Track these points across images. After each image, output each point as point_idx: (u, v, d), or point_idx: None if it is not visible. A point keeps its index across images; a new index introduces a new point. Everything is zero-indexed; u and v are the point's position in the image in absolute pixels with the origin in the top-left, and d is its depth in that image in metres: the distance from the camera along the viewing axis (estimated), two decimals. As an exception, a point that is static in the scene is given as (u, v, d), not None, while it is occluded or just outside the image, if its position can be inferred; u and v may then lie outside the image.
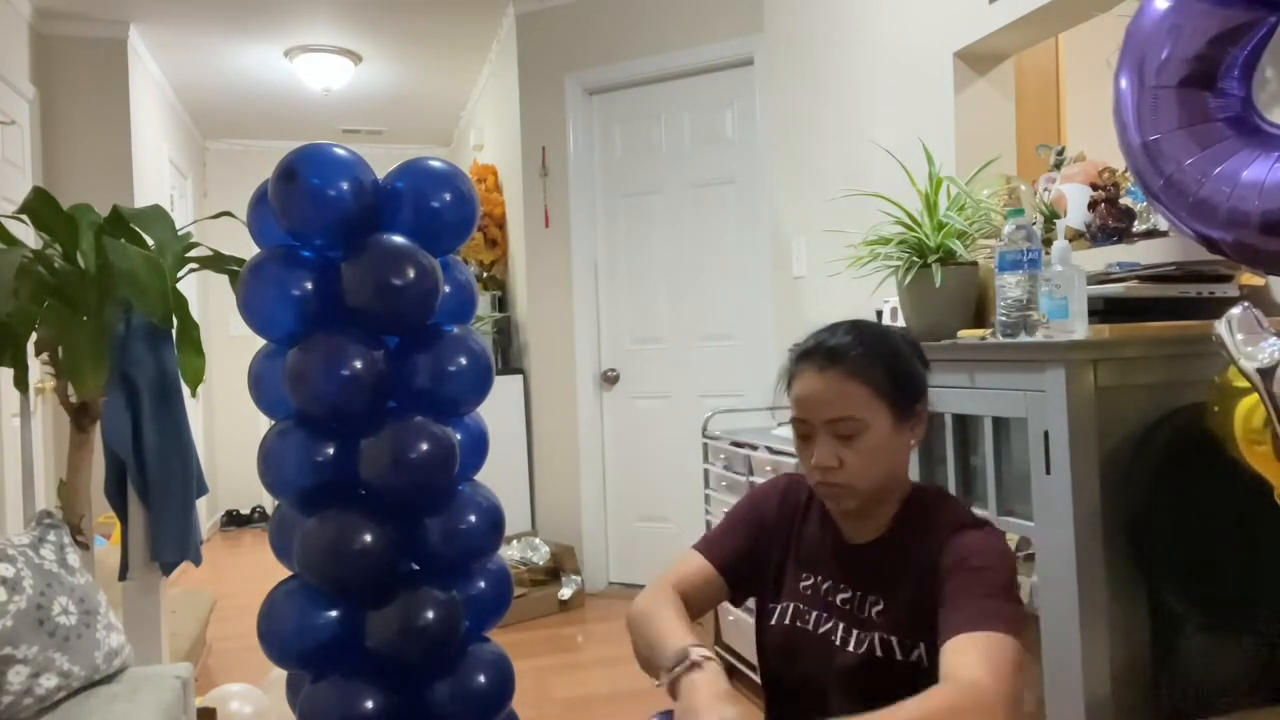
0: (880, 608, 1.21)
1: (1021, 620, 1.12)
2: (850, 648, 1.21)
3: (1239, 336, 1.23)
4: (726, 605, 1.81)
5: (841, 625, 1.23)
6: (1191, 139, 1.40)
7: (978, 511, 1.71)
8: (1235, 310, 1.26)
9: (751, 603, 1.39)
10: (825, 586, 1.28)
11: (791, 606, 1.29)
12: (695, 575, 1.32)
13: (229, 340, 5.96)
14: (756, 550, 1.34)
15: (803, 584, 1.30)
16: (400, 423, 1.78)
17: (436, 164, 1.89)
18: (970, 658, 1.04)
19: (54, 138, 4.14)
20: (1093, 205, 2.01)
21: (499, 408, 3.99)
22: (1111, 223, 1.95)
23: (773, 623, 1.30)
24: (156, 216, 2.20)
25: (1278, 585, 1.44)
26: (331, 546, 1.74)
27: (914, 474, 1.84)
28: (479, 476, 2.01)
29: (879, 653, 1.19)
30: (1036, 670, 1.59)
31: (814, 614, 1.27)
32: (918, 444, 1.27)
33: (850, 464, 1.18)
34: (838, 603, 1.25)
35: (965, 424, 1.78)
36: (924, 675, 1.12)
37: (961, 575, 1.14)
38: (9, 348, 2.05)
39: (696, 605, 1.29)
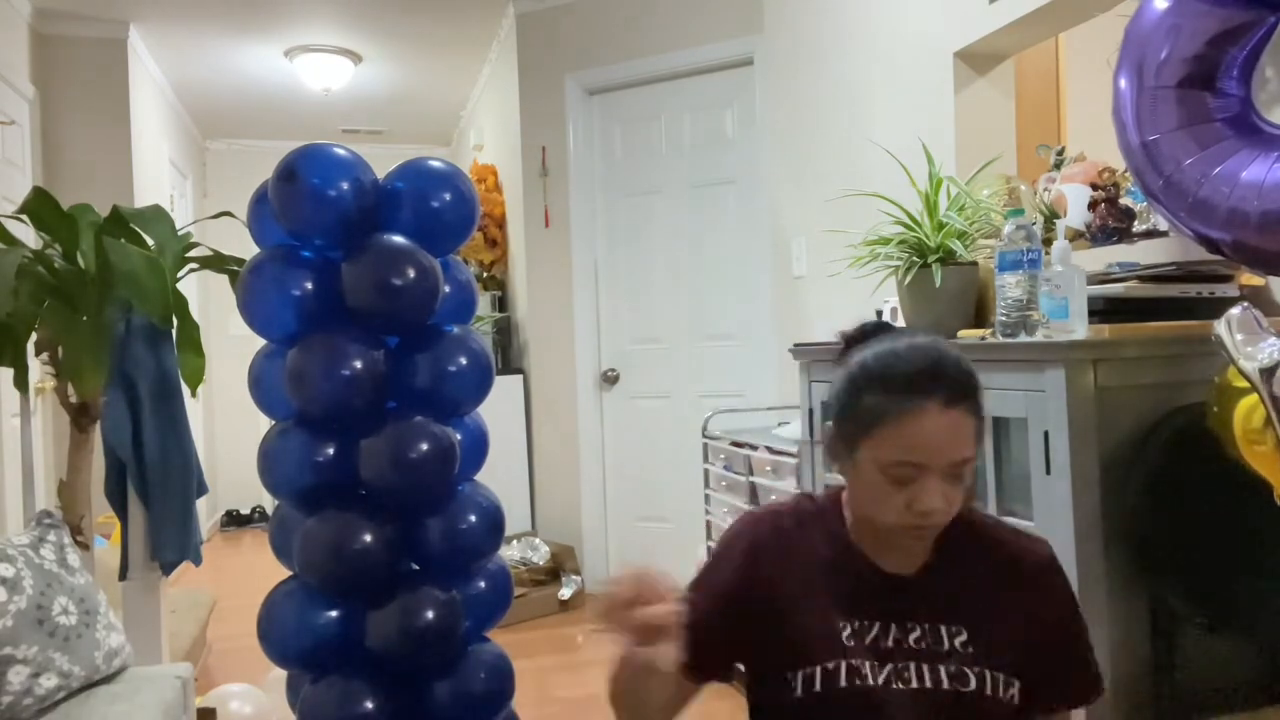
0: (964, 638, 1.07)
1: None
2: (945, 685, 1.05)
3: (1239, 336, 1.23)
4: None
5: (923, 666, 1.06)
6: (1191, 139, 1.40)
7: (978, 511, 1.71)
8: (1235, 310, 1.26)
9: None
10: (879, 630, 1.08)
11: (842, 665, 1.06)
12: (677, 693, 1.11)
13: (229, 340, 5.96)
14: (740, 632, 1.11)
15: (845, 636, 1.07)
16: (400, 423, 1.78)
17: (436, 164, 1.89)
18: None
19: (54, 138, 4.14)
20: (1093, 205, 2.01)
21: (499, 408, 3.99)
22: (1111, 223, 1.95)
23: (814, 690, 1.06)
24: (156, 216, 2.20)
25: (1278, 585, 1.44)
26: (331, 546, 1.74)
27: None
28: (479, 476, 2.01)
29: (972, 684, 1.05)
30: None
31: (869, 664, 1.06)
32: None
33: (955, 504, 1.02)
34: (909, 643, 1.07)
35: (965, 424, 1.77)
36: (1016, 716, 1.06)
37: (1073, 631, 1.10)
38: (9, 348, 2.05)
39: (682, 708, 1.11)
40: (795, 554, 1.12)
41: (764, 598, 1.10)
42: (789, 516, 1.16)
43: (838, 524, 1.13)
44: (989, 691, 1.05)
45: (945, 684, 1.05)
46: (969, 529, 1.11)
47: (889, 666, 1.06)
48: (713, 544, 3.01)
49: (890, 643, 1.07)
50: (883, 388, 1.02)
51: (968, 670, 1.05)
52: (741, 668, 1.15)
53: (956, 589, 1.08)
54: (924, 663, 1.06)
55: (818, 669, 1.06)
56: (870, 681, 1.05)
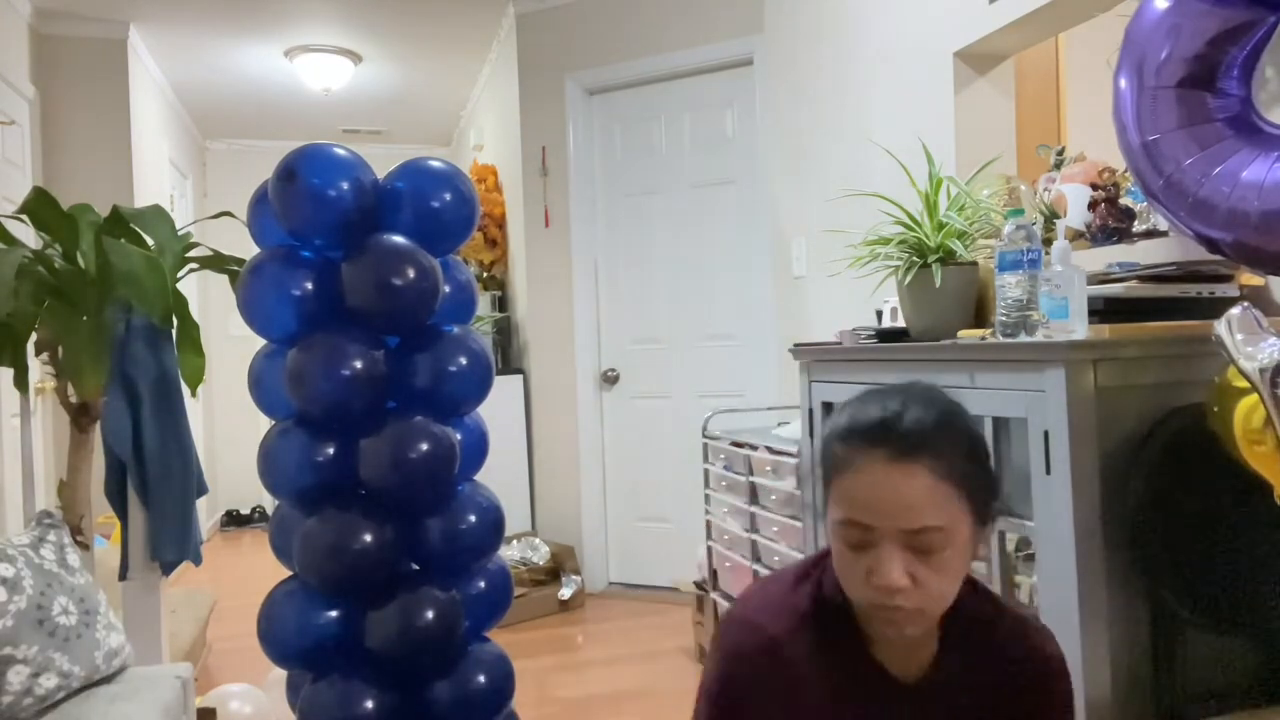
0: None
1: None
2: None
3: (1239, 336, 1.23)
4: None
5: None
6: (1191, 139, 1.40)
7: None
8: (1235, 310, 1.26)
9: None
10: None
11: None
12: None
13: (229, 340, 5.96)
14: None
15: None
16: (400, 423, 1.78)
17: (436, 164, 1.89)
18: None
19: (54, 138, 4.14)
20: (1093, 205, 2.01)
21: (499, 408, 3.99)
22: (1111, 223, 1.95)
23: None
24: (156, 216, 2.20)
25: (1277, 585, 1.44)
26: (331, 546, 1.74)
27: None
28: (479, 476, 2.01)
29: None
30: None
31: None
32: (985, 549, 1.08)
33: (924, 583, 0.90)
34: None
35: (965, 424, 1.77)
36: None
37: None
38: (9, 348, 2.05)
39: None
40: (801, 690, 1.00)
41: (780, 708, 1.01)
42: (787, 637, 1.01)
43: (843, 619, 1.01)
44: None
45: None
46: (978, 625, 1.03)
47: None
48: (713, 544, 3.01)
49: None
50: (840, 435, 0.95)
51: None
52: None
53: (959, 698, 1.00)
54: None
55: None
56: None
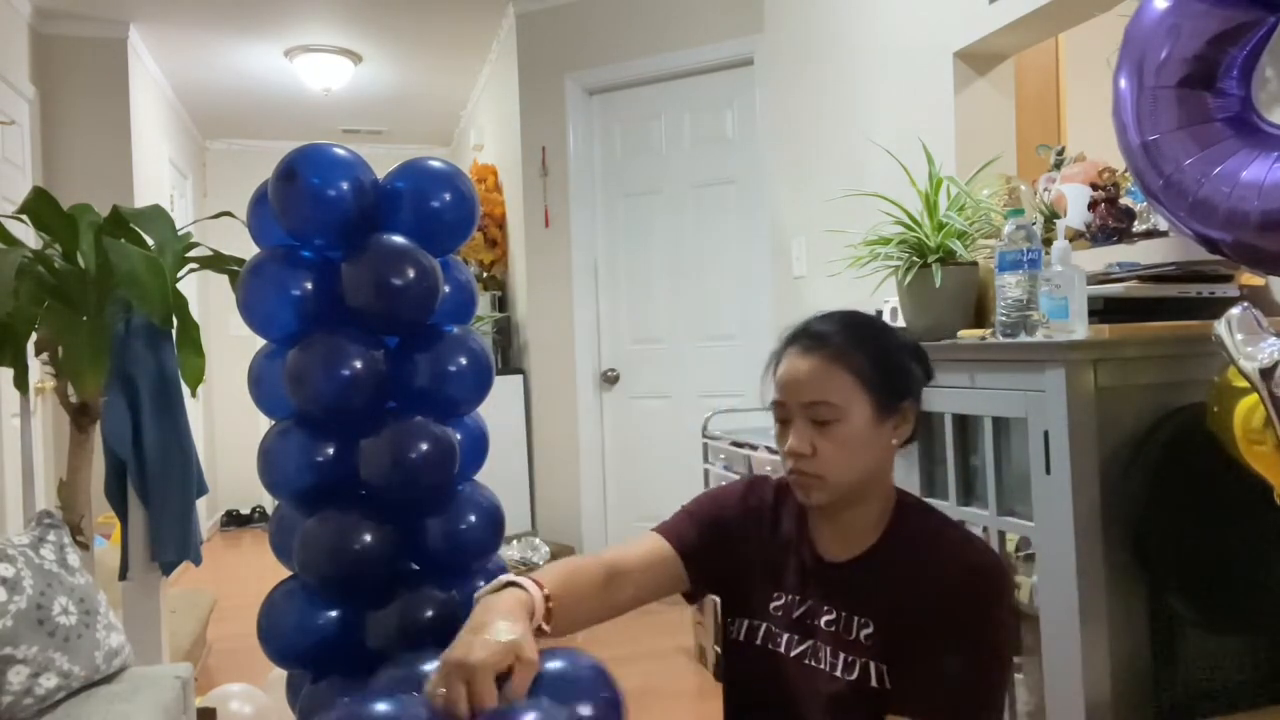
0: (870, 631, 1.13)
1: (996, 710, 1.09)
2: (839, 672, 1.13)
3: (1239, 336, 1.23)
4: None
5: (827, 649, 1.15)
6: (1191, 139, 1.40)
7: (977, 513, 1.71)
8: (1235, 310, 1.26)
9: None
10: (804, 609, 1.19)
11: (762, 627, 1.21)
12: (647, 553, 1.24)
13: (229, 340, 5.96)
14: (719, 549, 1.26)
15: (774, 605, 1.21)
16: (400, 423, 1.77)
17: (436, 164, 1.89)
18: None
19: (54, 138, 4.14)
20: (1093, 205, 2.01)
21: (499, 408, 3.99)
22: (1111, 223, 1.95)
23: (739, 638, 1.23)
24: (156, 216, 2.20)
25: (1277, 585, 1.44)
26: (331, 546, 1.74)
27: (914, 474, 1.84)
28: (479, 476, 2.01)
29: (873, 682, 1.11)
30: (1036, 670, 1.59)
31: (786, 636, 1.18)
32: (900, 446, 1.20)
33: (824, 453, 1.12)
34: (821, 625, 1.16)
35: (965, 424, 1.78)
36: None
37: (959, 639, 1.07)
38: (9, 348, 2.05)
39: (644, 584, 1.21)
40: (773, 520, 1.27)
41: (739, 542, 1.26)
42: (773, 497, 1.29)
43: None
44: (887, 686, 1.09)
45: (841, 671, 1.12)
46: (913, 527, 1.17)
47: (804, 644, 1.16)
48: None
49: (810, 621, 1.17)
50: (779, 343, 1.21)
51: (868, 663, 1.11)
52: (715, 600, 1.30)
53: (882, 581, 1.14)
54: (829, 645, 1.14)
55: (747, 623, 1.22)
56: (783, 650, 1.18)
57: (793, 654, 1.17)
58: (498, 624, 0.95)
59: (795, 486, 1.17)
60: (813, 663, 1.15)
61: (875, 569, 1.15)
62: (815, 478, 1.13)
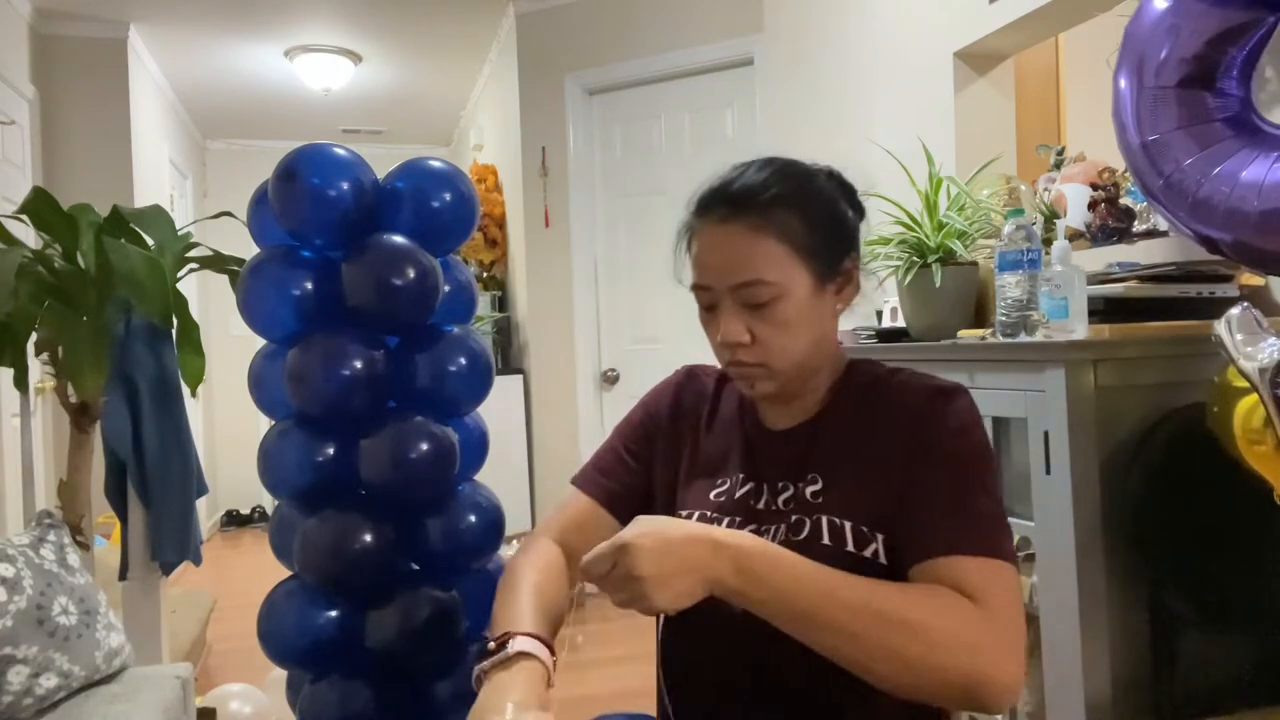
0: (818, 487, 0.98)
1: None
2: (782, 536, 0.97)
3: (1239, 336, 1.23)
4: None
5: (783, 526, 0.98)
6: (1191, 139, 1.40)
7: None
8: (1235, 310, 1.26)
9: None
10: (746, 489, 1.03)
11: (695, 514, 1.04)
12: (580, 518, 1.11)
13: (229, 340, 5.96)
14: (649, 470, 1.12)
15: (715, 492, 1.05)
16: (400, 423, 1.77)
17: (436, 164, 1.89)
18: (994, 590, 0.83)
19: (54, 138, 4.14)
20: (1093, 205, 2.01)
21: (499, 408, 3.99)
22: (1111, 223, 1.95)
23: None
24: (156, 216, 2.20)
25: (1278, 586, 1.44)
26: (331, 546, 1.74)
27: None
28: (479, 476, 2.01)
29: (826, 539, 0.94)
30: (1036, 671, 1.59)
31: (726, 520, 1.01)
32: (846, 309, 1.06)
33: (763, 339, 0.96)
34: (779, 504, 1.00)
35: (965, 424, 1.77)
36: (885, 577, 0.90)
37: (952, 466, 0.92)
38: (9, 348, 2.05)
39: (587, 549, 1.01)
40: (712, 411, 1.13)
41: (674, 453, 1.12)
42: (717, 385, 1.16)
43: None
44: (848, 547, 0.93)
45: (785, 533, 0.97)
46: (868, 380, 1.03)
47: (752, 526, 0.99)
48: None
49: (749, 503, 1.03)
50: (687, 206, 1.06)
51: (820, 519, 0.96)
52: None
53: (830, 437, 1.00)
54: (783, 522, 0.98)
55: (693, 514, 1.05)
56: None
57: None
58: (525, 718, 0.82)
59: (736, 379, 1.02)
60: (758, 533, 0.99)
61: (822, 429, 1.02)
62: (757, 366, 0.98)
